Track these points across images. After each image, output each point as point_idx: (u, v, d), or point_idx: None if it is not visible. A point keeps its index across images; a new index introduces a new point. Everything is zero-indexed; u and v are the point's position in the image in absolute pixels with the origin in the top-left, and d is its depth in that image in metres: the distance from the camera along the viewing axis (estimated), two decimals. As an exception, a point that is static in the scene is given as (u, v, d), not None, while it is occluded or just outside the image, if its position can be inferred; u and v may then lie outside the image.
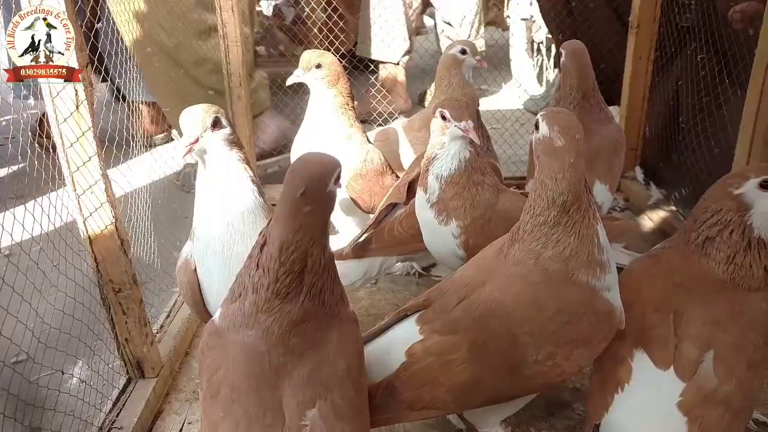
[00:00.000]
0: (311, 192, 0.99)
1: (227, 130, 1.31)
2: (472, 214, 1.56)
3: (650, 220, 2.40)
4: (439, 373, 1.18)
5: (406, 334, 1.26)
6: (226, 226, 1.32)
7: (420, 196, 1.63)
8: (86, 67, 1.29)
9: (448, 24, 3.87)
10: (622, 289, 1.29)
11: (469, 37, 3.83)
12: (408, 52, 3.86)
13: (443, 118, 1.52)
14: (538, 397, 1.33)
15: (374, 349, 1.28)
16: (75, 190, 1.35)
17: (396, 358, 1.23)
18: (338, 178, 1.04)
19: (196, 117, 1.27)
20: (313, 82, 1.90)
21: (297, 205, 0.99)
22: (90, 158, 1.33)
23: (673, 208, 2.33)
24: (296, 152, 1.96)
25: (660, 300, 1.25)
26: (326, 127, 1.93)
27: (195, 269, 1.39)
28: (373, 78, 4.00)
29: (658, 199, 2.41)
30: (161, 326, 1.76)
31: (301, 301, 1.02)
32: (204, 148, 1.28)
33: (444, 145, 1.55)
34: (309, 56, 1.92)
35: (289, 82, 1.94)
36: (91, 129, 1.31)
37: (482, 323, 1.19)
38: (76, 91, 1.27)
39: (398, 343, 1.25)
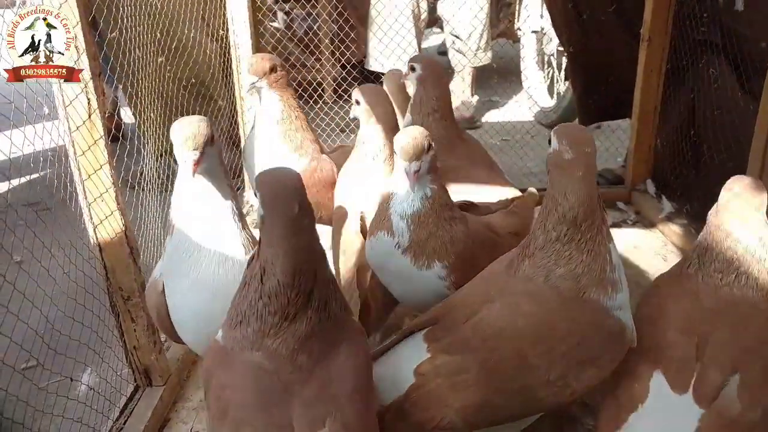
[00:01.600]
0: (304, 204, 0.97)
1: (220, 146, 1.23)
2: (454, 250, 1.41)
3: (662, 233, 2.38)
4: (448, 395, 1.16)
5: (414, 351, 1.24)
6: (201, 250, 1.21)
7: (384, 242, 1.42)
8: (98, 76, 1.30)
9: (457, 37, 3.88)
10: (646, 304, 1.29)
11: (477, 50, 3.83)
12: None
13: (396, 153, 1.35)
14: (546, 413, 1.32)
15: (381, 368, 1.26)
16: (86, 198, 1.36)
17: (404, 377, 1.21)
18: None
19: (199, 129, 1.16)
20: (267, 87, 1.78)
21: (297, 223, 0.96)
22: (101, 166, 1.34)
23: (685, 221, 2.31)
24: (249, 158, 1.89)
25: (685, 321, 1.23)
26: (278, 134, 1.83)
27: (163, 290, 1.27)
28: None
29: (670, 213, 2.39)
30: (170, 334, 1.76)
31: (308, 317, 1.00)
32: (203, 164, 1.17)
33: (398, 180, 1.38)
34: (262, 60, 1.79)
35: (247, 90, 1.81)
36: (103, 137, 1.32)
37: (492, 344, 1.17)
38: (88, 100, 1.29)
39: (406, 361, 1.23)
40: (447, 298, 1.35)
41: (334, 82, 3.86)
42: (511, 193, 1.85)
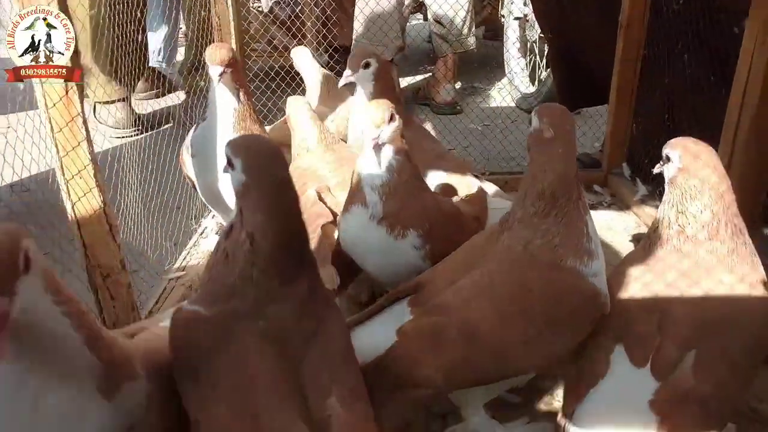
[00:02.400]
0: (287, 166, 1.00)
1: (41, 262, 0.76)
2: (427, 218, 1.46)
3: (636, 215, 2.43)
4: (429, 353, 1.19)
5: (397, 316, 1.29)
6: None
7: (359, 213, 1.46)
8: (76, 53, 1.30)
9: (439, 23, 3.88)
10: (613, 281, 1.33)
11: (460, 36, 3.84)
12: (401, 50, 3.87)
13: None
14: (520, 380, 1.36)
15: (365, 331, 1.30)
16: (63, 175, 1.37)
17: (387, 338, 1.23)
18: None
19: None
20: (229, 77, 1.74)
21: (285, 188, 0.98)
22: (79, 143, 1.34)
23: (658, 203, 2.34)
24: (201, 149, 1.87)
25: (647, 298, 1.28)
26: (235, 123, 1.81)
27: None
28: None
29: (644, 195, 2.44)
30: (150, 312, 1.78)
31: (305, 278, 1.01)
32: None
33: (368, 153, 1.42)
34: (224, 49, 1.73)
35: (218, 81, 1.73)
36: (80, 114, 1.33)
37: (472, 305, 1.21)
38: (65, 76, 1.29)
39: (389, 324, 1.27)
40: (429, 269, 1.38)
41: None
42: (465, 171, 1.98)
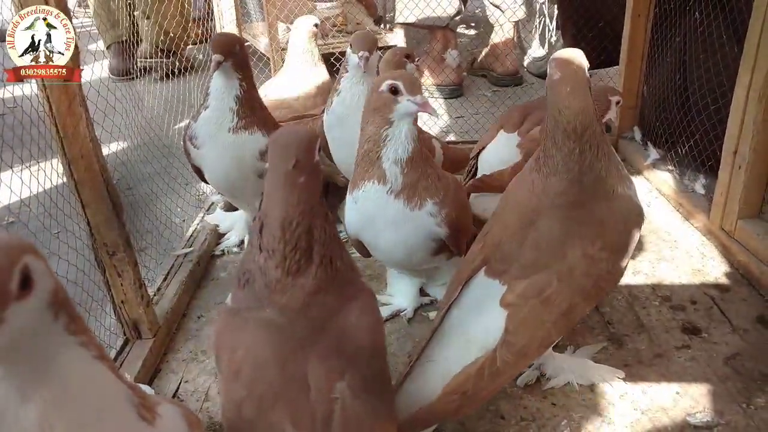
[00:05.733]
0: (303, 161, 0.99)
1: (48, 284, 0.67)
2: (442, 186, 1.48)
3: (647, 180, 2.39)
4: (542, 311, 1.25)
5: (486, 291, 1.31)
6: None
7: (375, 190, 1.46)
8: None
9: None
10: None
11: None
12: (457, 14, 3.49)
13: (394, 92, 1.38)
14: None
15: (457, 321, 1.31)
16: (65, 155, 1.36)
17: (492, 315, 1.27)
18: (320, 148, 1.05)
19: None
20: (230, 68, 1.73)
21: (291, 178, 0.99)
22: (78, 123, 1.34)
23: (670, 167, 2.31)
24: (207, 144, 1.83)
25: None
26: (236, 114, 1.79)
27: None
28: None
29: (655, 159, 2.39)
30: (158, 289, 1.79)
31: (314, 273, 1.01)
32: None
33: (393, 124, 1.40)
34: (229, 39, 1.75)
35: (213, 70, 1.71)
36: (78, 94, 1.32)
37: (559, 254, 1.27)
38: (62, 55, 1.28)
39: (485, 302, 1.30)
40: (480, 239, 1.39)
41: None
42: None
